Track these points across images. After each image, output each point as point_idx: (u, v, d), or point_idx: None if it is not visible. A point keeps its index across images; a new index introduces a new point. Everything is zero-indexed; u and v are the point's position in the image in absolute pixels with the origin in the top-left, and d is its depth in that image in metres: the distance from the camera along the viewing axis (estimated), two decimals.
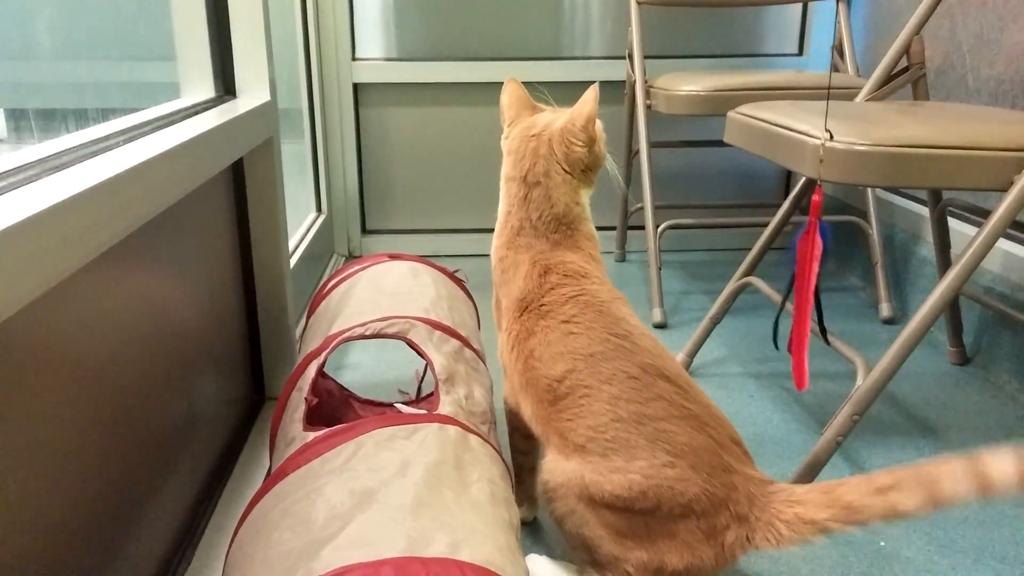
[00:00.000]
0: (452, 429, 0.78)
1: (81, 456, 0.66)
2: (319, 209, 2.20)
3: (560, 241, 0.95)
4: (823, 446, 1.03)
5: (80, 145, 0.69)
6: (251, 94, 1.14)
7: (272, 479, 0.72)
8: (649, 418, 0.79)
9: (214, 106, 1.04)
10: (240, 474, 1.06)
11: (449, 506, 0.65)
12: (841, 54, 1.97)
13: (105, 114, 0.89)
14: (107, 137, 0.74)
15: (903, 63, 1.38)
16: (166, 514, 0.86)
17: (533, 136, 1.01)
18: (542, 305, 0.91)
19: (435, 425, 0.77)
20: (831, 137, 0.98)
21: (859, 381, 1.03)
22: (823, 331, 1.12)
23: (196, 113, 0.98)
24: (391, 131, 2.22)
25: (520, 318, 0.93)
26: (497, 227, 1.03)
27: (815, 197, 0.97)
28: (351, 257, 2.28)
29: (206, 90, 1.10)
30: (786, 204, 1.39)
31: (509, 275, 0.97)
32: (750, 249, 2.14)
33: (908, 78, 1.35)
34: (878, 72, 1.37)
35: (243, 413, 1.20)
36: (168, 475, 0.87)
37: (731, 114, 1.28)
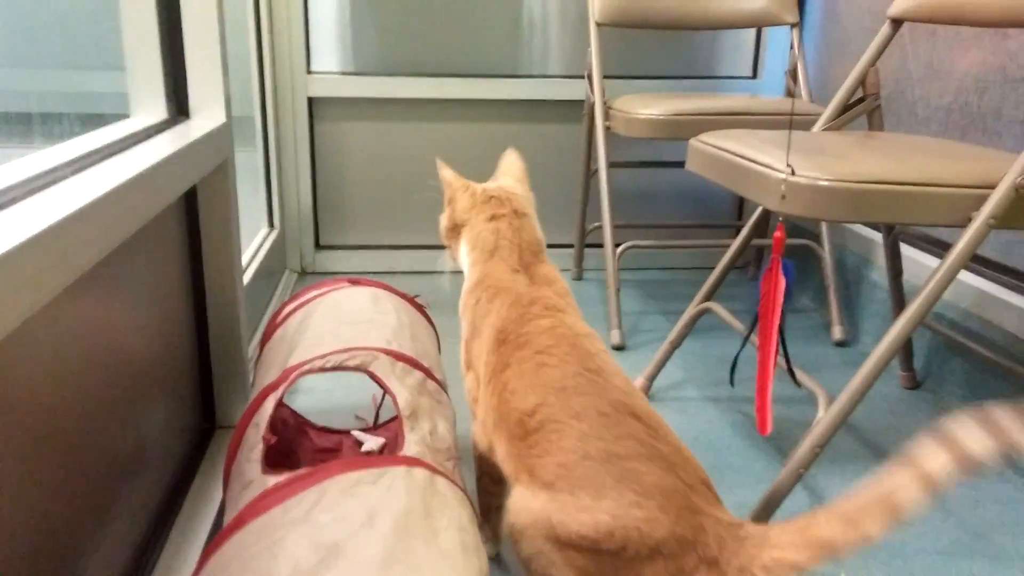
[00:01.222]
0: (419, 472, 0.76)
1: (24, 492, 0.62)
2: (271, 224, 2.15)
3: (539, 272, 1.00)
4: (785, 478, 1.03)
5: (26, 180, 0.65)
6: (205, 115, 1.10)
7: (229, 528, 0.69)
8: (618, 456, 0.78)
9: (166, 129, 1.01)
10: (191, 508, 1.02)
11: (420, 559, 0.62)
12: (795, 79, 2.00)
13: (46, 119, 0.85)
14: (54, 169, 0.70)
15: (859, 93, 1.40)
16: (112, 554, 0.81)
17: (494, 193, 1.14)
18: (519, 336, 0.90)
19: (402, 468, 0.75)
20: (792, 172, 0.99)
21: (820, 413, 1.04)
22: (791, 372, 1.13)
23: (148, 137, 0.94)
24: (346, 146, 2.19)
25: (498, 350, 0.91)
26: (472, 272, 1.02)
27: (777, 234, 0.97)
28: (304, 273, 2.23)
29: (158, 110, 1.06)
30: (746, 229, 1.40)
31: (490, 307, 0.96)
32: (706, 268, 2.16)
33: (864, 108, 1.37)
34: (835, 102, 1.39)
35: (193, 442, 1.16)
36: (115, 510, 0.82)
37: (693, 142, 1.29)
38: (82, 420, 0.74)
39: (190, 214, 1.11)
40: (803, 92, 1.94)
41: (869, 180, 0.96)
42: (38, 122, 0.85)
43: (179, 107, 1.09)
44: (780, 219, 0.98)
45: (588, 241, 2.18)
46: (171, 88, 1.07)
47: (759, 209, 1.42)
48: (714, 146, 1.21)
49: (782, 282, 0.98)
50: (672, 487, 0.78)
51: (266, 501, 0.69)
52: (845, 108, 1.39)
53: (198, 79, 1.09)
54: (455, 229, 1.13)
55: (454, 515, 0.73)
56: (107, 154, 0.81)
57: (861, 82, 1.39)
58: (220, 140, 1.07)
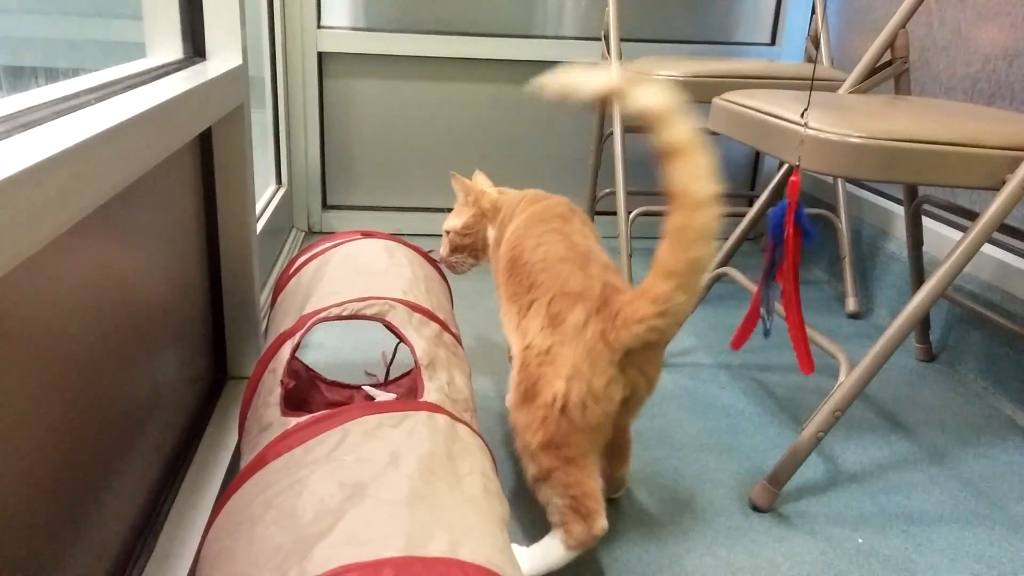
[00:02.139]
0: (441, 418, 0.74)
1: (38, 437, 0.61)
2: (279, 181, 2.12)
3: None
4: (803, 442, 1.02)
5: (50, 101, 0.63)
6: (222, 57, 1.07)
7: (250, 467, 0.68)
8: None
9: (183, 68, 0.98)
10: (204, 456, 1.01)
11: (444, 500, 0.61)
12: (816, 44, 1.97)
13: (52, 74, 0.83)
14: (77, 94, 0.68)
15: (886, 56, 1.37)
16: (127, 498, 0.81)
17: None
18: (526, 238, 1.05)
19: (424, 413, 0.74)
20: (806, 125, 0.98)
21: (841, 377, 1.03)
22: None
23: (165, 74, 0.91)
24: (356, 103, 2.16)
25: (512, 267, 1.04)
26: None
27: (793, 179, 0.95)
28: (311, 232, 2.21)
29: (174, 51, 1.03)
30: (764, 195, 1.38)
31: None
32: (717, 239, 2.13)
33: (892, 72, 1.35)
34: (861, 65, 1.37)
35: (206, 392, 1.15)
36: (129, 456, 0.81)
37: (716, 100, 1.26)
38: (95, 363, 0.72)
39: (205, 159, 1.09)
40: (824, 58, 1.91)
41: (901, 138, 0.94)
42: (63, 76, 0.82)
43: (195, 48, 1.06)
44: (796, 165, 0.96)
45: (598, 208, 2.15)
46: (187, 28, 1.05)
47: (776, 177, 1.40)
48: (738, 103, 1.18)
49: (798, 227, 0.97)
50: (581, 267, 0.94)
51: (288, 441, 0.68)
52: (872, 71, 1.37)
53: (215, 19, 1.06)
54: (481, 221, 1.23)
55: (476, 461, 0.72)
56: (128, 86, 0.79)
57: (889, 45, 1.36)
58: (236, 82, 1.05)
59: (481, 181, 1.27)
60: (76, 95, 0.69)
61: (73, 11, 0.98)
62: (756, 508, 1.05)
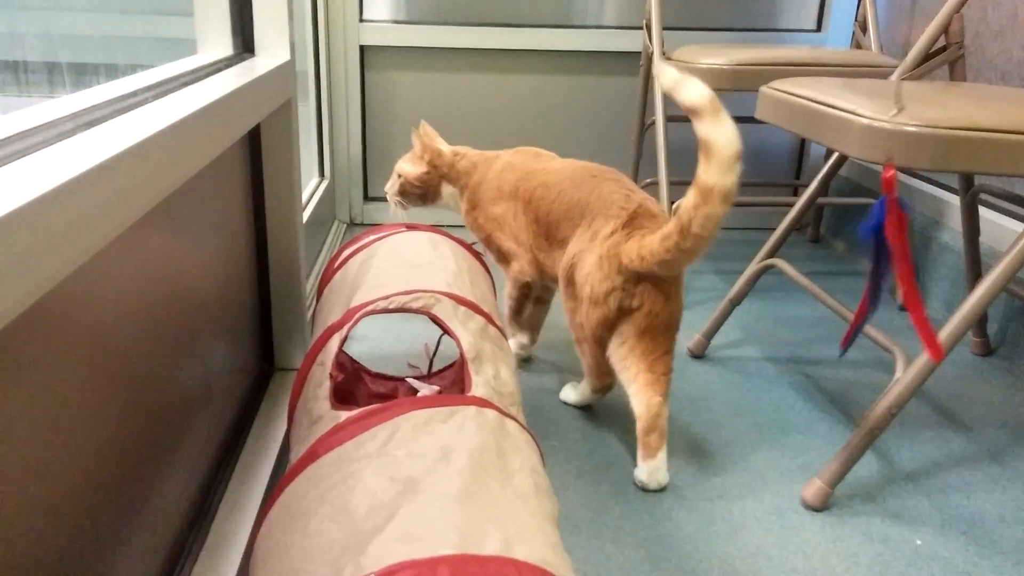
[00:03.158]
0: (490, 413, 0.74)
1: (97, 429, 0.62)
2: (322, 174, 2.14)
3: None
4: (858, 440, 1.00)
5: (111, 100, 0.64)
6: (270, 53, 1.08)
7: (302, 461, 0.68)
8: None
9: (233, 64, 0.99)
10: (253, 447, 1.02)
11: (496, 497, 0.61)
12: (864, 30, 1.92)
13: (111, 70, 0.84)
14: (135, 92, 0.69)
15: (940, 42, 1.33)
16: (180, 489, 0.82)
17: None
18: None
19: (473, 408, 0.73)
20: (900, 110, 0.94)
21: (898, 373, 1.00)
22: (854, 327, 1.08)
23: (216, 71, 0.92)
24: (397, 96, 2.16)
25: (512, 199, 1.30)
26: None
27: (886, 174, 0.91)
28: (352, 224, 2.23)
29: (224, 47, 1.04)
30: (814, 184, 1.35)
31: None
32: (760, 229, 2.11)
33: (947, 58, 1.31)
34: (915, 51, 1.33)
35: (253, 383, 1.16)
36: (182, 447, 0.82)
37: (764, 90, 1.24)
38: (151, 355, 0.73)
39: (253, 153, 1.10)
40: (873, 44, 1.86)
41: (958, 126, 0.91)
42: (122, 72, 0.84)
43: (245, 44, 1.07)
44: (889, 159, 0.92)
45: None
46: (237, 25, 1.05)
47: (827, 166, 1.37)
48: (788, 93, 1.16)
49: (904, 215, 0.93)
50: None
51: (339, 435, 0.68)
52: (926, 57, 1.33)
53: (264, 16, 1.07)
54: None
55: (526, 457, 0.71)
56: (183, 83, 0.80)
57: (944, 30, 1.32)
58: (285, 78, 1.05)
59: (428, 132, 1.43)
60: (134, 93, 0.70)
61: (131, 8, 0.99)
62: (809, 507, 1.03)
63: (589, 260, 1.09)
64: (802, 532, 0.99)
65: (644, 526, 0.99)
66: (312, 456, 0.68)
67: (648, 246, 1.02)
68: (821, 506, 1.03)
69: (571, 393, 1.28)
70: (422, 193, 1.43)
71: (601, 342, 1.11)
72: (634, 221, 1.09)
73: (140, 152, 0.55)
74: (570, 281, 1.14)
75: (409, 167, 1.41)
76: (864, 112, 0.95)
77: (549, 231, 1.20)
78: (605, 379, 1.18)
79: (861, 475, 1.11)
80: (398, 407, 0.70)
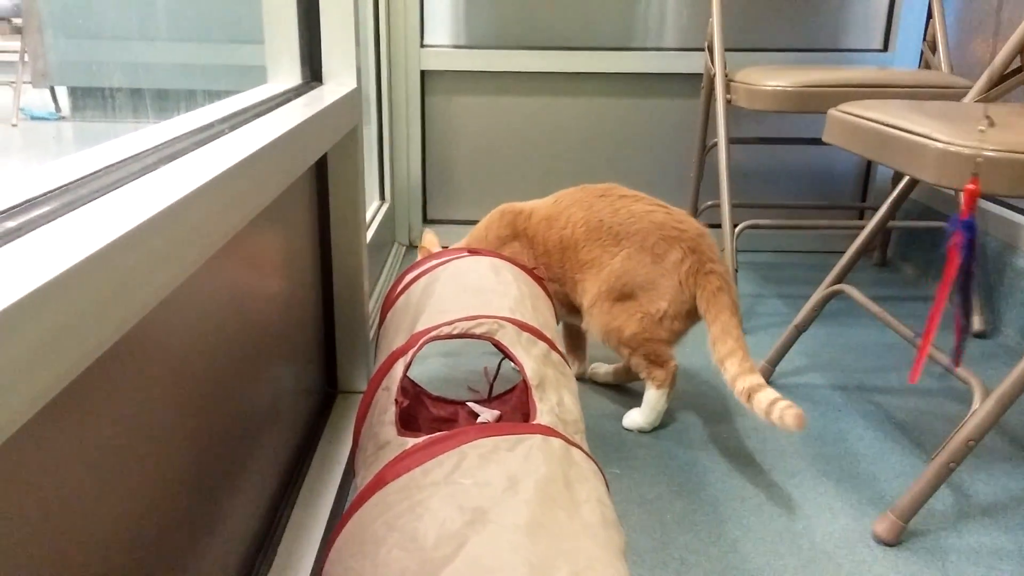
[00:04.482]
0: (556, 442, 0.74)
1: (172, 451, 0.64)
2: (382, 197, 2.17)
3: None
4: (933, 473, 0.97)
5: (189, 132, 0.66)
6: (338, 81, 1.10)
7: (370, 487, 0.69)
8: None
9: (302, 93, 1.01)
10: (317, 470, 1.03)
11: (564, 529, 0.60)
12: (933, 49, 1.88)
13: (191, 96, 0.86)
14: (211, 124, 0.71)
15: (1016, 63, 1.29)
16: (248, 511, 0.83)
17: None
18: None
19: (538, 437, 0.73)
20: (988, 126, 0.92)
21: (976, 404, 0.96)
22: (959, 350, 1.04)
23: (286, 101, 0.94)
24: (456, 120, 2.19)
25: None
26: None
27: (970, 186, 0.88)
28: (412, 247, 2.25)
29: (293, 75, 1.07)
30: (884, 207, 1.32)
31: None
32: (824, 252, 2.07)
33: (1023, 79, 1.27)
34: (989, 72, 1.29)
35: (317, 406, 1.18)
36: (250, 469, 0.84)
37: (833, 112, 1.21)
38: (222, 380, 0.75)
39: (320, 179, 1.12)
40: (943, 64, 1.82)
41: None
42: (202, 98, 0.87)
43: (313, 73, 1.10)
44: (974, 172, 0.90)
45: (699, 221, 2.11)
46: (306, 54, 1.08)
47: (898, 188, 1.34)
48: (858, 116, 1.14)
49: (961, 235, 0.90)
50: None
51: (406, 462, 0.69)
52: (1001, 78, 1.29)
53: (332, 45, 1.10)
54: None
55: (592, 488, 0.71)
56: (253, 114, 0.82)
57: (1020, 50, 1.28)
58: (351, 106, 1.07)
59: (431, 239, 1.46)
60: (211, 125, 0.72)
61: (208, 38, 1.03)
62: (881, 541, 1.00)
63: (666, 283, 1.23)
64: (874, 567, 0.95)
65: (710, 558, 0.97)
66: (380, 483, 0.69)
67: (713, 340, 1.21)
68: (894, 541, 1.00)
69: (638, 417, 1.28)
70: None
71: (675, 339, 1.27)
72: (696, 249, 1.24)
73: (219, 185, 0.56)
74: (628, 296, 1.24)
75: None
76: (940, 136, 0.93)
77: (566, 256, 1.30)
78: (669, 360, 1.27)
79: (935, 508, 1.07)
80: (464, 435, 0.71)
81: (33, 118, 3.91)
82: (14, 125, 3.72)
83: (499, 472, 0.66)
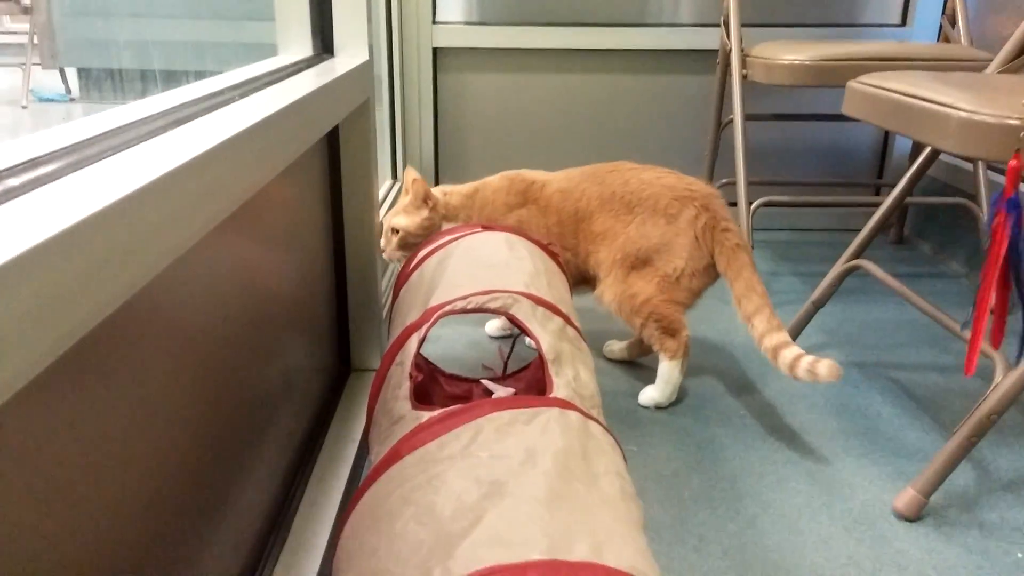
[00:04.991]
0: (573, 415, 0.73)
1: (182, 430, 0.63)
2: (395, 177, 2.15)
3: None
4: (954, 448, 0.95)
5: (198, 98, 0.65)
6: (349, 53, 1.09)
7: (385, 461, 0.68)
8: None
9: (313, 65, 1.00)
10: (331, 447, 1.03)
11: (583, 501, 0.59)
12: (952, 22, 1.84)
13: (200, 76, 0.85)
14: (220, 92, 0.70)
15: None
16: (262, 488, 0.83)
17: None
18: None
19: (555, 410, 0.72)
20: None
21: (997, 378, 0.95)
22: None
23: (297, 71, 0.93)
24: (469, 98, 2.16)
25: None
26: None
27: (1013, 163, 0.86)
28: None
29: (304, 48, 1.05)
30: (902, 183, 1.30)
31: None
32: (841, 230, 2.04)
33: None
34: (1011, 43, 1.26)
35: (331, 383, 1.17)
36: (263, 446, 0.83)
37: (852, 84, 1.19)
38: (232, 355, 0.74)
39: (332, 153, 1.11)
40: (963, 37, 1.78)
41: None
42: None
43: (324, 46, 1.08)
44: (1019, 148, 0.87)
45: None
46: (317, 27, 1.07)
47: (916, 164, 1.31)
48: (879, 87, 1.11)
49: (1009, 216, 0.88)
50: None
51: (422, 435, 0.68)
52: (1022, 50, 1.26)
53: (343, 17, 1.08)
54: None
55: (610, 461, 0.70)
56: (262, 84, 0.81)
57: None
58: (363, 78, 1.06)
59: (418, 178, 1.39)
60: (220, 92, 0.71)
61: (217, 15, 1.01)
62: (902, 517, 0.99)
63: (682, 241, 1.25)
64: (895, 543, 0.94)
65: (728, 534, 0.96)
66: (395, 456, 0.68)
67: (737, 297, 1.22)
68: (915, 516, 0.99)
69: (653, 392, 1.27)
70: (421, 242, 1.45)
71: (692, 299, 1.28)
72: (709, 208, 1.26)
73: (226, 151, 0.55)
74: (644, 261, 1.26)
75: (406, 219, 1.35)
76: (964, 106, 0.91)
77: (580, 227, 1.31)
78: (682, 328, 1.26)
79: (957, 484, 1.05)
80: (480, 408, 0.70)
81: (43, 100, 3.91)
82: (24, 107, 3.72)
83: (516, 445, 0.65)
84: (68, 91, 4.14)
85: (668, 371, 1.25)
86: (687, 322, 1.26)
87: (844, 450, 1.13)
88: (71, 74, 4.15)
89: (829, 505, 1.01)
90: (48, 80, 4.12)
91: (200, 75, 0.88)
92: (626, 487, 0.68)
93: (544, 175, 1.39)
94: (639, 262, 1.26)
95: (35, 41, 3.80)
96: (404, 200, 1.37)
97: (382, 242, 1.34)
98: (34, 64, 3.81)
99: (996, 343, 0.97)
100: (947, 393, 1.30)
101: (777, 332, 1.17)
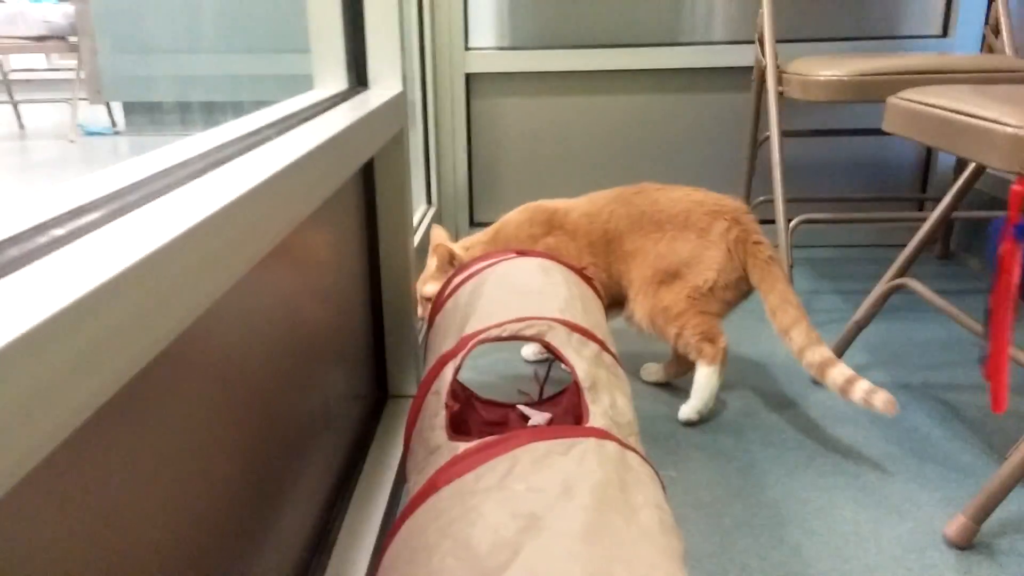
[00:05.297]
0: (610, 445, 0.72)
1: (224, 458, 0.64)
2: (429, 201, 2.17)
3: None
4: (1009, 472, 0.92)
5: (236, 138, 0.66)
6: (383, 85, 1.10)
7: (422, 493, 0.68)
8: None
9: (348, 98, 1.01)
10: (370, 474, 1.03)
11: (621, 536, 0.59)
12: (996, 33, 1.81)
13: (238, 108, 0.87)
14: (258, 130, 0.71)
15: None
16: (302, 515, 0.83)
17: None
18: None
19: (592, 440, 0.71)
20: None
21: None
22: None
23: (333, 106, 0.94)
24: (502, 122, 2.18)
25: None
26: None
27: (1016, 187, 0.85)
28: None
29: (339, 81, 1.07)
30: (948, 198, 1.27)
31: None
32: (883, 246, 2.01)
33: None
34: None
35: (368, 410, 1.18)
36: (302, 475, 0.84)
37: (893, 100, 1.17)
38: (273, 386, 0.75)
39: (367, 183, 1.12)
40: (1007, 47, 1.74)
41: None
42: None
43: (359, 78, 1.10)
44: (1020, 172, 0.86)
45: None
46: (351, 60, 1.08)
47: (962, 178, 1.28)
48: (920, 103, 1.09)
49: (1020, 246, 0.86)
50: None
51: (458, 467, 0.68)
52: None
53: (376, 51, 1.09)
54: None
55: (649, 492, 0.69)
56: (299, 120, 0.82)
57: None
58: (397, 109, 1.07)
59: (440, 235, 1.44)
60: (258, 131, 0.72)
61: (258, 48, 1.03)
62: (952, 545, 0.95)
63: (713, 254, 1.25)
64: (946, 572, 0.91)
65: (772, 563, 0.93)
66: (431, 488, 0.68)
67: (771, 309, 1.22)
68: (966, 544, 0.95)
69: (691, 403, 1.26)
70: None
71: (725, 310, 1.28)
72: (740, 221, 1.27)
73: (267, 189, 0.56)
74: (675, 275, 1.26)
75: (435, 285, 1.36)
76: (1010, 121, 0.89)
77: (611, 248, 1.32)
78: (719, 336, 1.26)
79: (1011, 510, 1.02)
80: (516, 439, 0.69)
81: (89, 133, 4.03)
82: (72, 141, 3.84)
83: (553, 477, 0.64)
84: (114, 124, 4.27)
85: (706, 378, 1.25)
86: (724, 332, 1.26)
87: (892, 474, 1.10)
88: (116, 108, 4.28)
89: (876, 532, 0.98)
90: (94, 114, 4.25)
91: (238, 106, 0.89)
92: (665, 519, 0.67)
93: (565, 202, 1.40)
94: (669, 276, 1.27)
95: (81, 76, 3.93)
96: (431, 265, 1.40)
97: (419, 310, 1.35)
98: (81, 99, 3.94)
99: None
100: (1001, 415, 1.26)
101: (818, 346, 1.16)
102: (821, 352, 1.15)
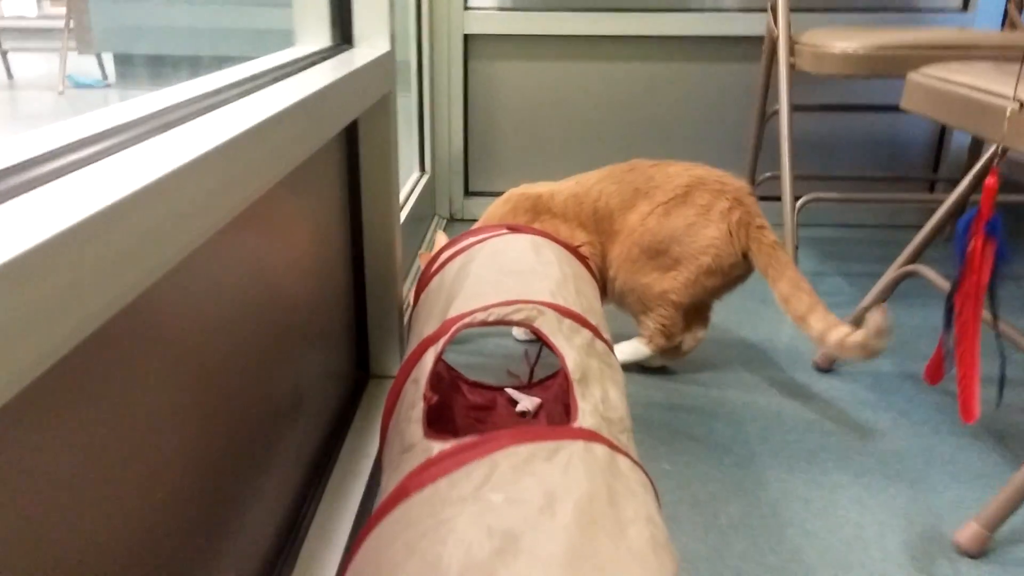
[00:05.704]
0: (599, 449, 0.66)
1: (184, 439, 0.57)
2: (422, 168, 2.09)
3: None
4: (1023, 477, 0.86)
5: (208, 93, 0.60)
6: (369, 44, 1.02)
7: (392, 498, 0.62)
8: None
9: (331, 56, 0.93)
10: (346, 462, 0.97)
11: (608, 558, 0.53)
12: (1020, 8, 1.72)
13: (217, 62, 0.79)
14: (227, 87, 0.64)
15: None
16: (272, 502, 0.77)
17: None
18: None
19: (579, 444, 0.65)
20: (1021, 106, 0.81)
21: None
22: (1001, 352, 0.94)
23: (313, 64, 0.87)
24: (500, 86, 2.09)
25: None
26: None
27: (989, 180, 0.78)
28: (452, 220, 2.18)
29: (322, 38, 0.99)
30: (966, 181, 1.20)
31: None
32: (892, 227, 1.94)
33: None
34: None
35: (348, 390, 1.12)
36: (271, 461, 0.78)
37: (913, 76, 1.09)
38: (240, 359, 0.69)
39: (350, 149, 1.05)
40: None
41: None
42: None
43: (343, 35, 1.02)
44: (996, 163, 0.79)
45: (757, 194, 1.99)
46: (336, 16, 1.00)
47: (979, 163, 1.21)
48: (942, 80, 1.02)
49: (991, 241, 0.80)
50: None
51: (431, 472, 0.62)
52: None
53: (363, 6, 1.01)
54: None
55: (640, 504, 0.63)
56: (274, 78, 0.75)
57: None
58: (384, 70, 0.99)
59: (442, 240, 1.37)
60: (231, 86, 0.65)
61: (251, 1, 0.96)
62: (964, 553, 0.90)
63: (711, 232, 1.18)
64: None
65: (770, 568, 0.88)
66: (402, 493, 0.61)
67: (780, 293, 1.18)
68: (978, 552, 0.90)
69: (625, 347, 1.27)
70: None
71: (710, 299, 1.26)
72: (743, 202, 1.21)
73: (235, 147, 0.50)
74: (663, 252, 1.21)
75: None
76: None
77: (601, 227, 1.27)
78: (677, 338, 1.25)
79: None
80: (496, 441, 0.63)
81: (79, 86, 3.91)
82: (60, 93, 3.73)
83: (534, 487, 0.58)
84: (104, 77, 4.14)
85: (634, 349, 1.27)
86: (712, 323, 1.26)
87: (898, 474, 1.05)
88: (108, 60, 4.15)
89: (882, 537, 0.93)
90: (84, 65, 4.13)
91: (235, 61, 0.82)
92: (658, 535, 0.61)
93: (548, 186, 1.36)
94: (658, 251, 1.22)
95: (71, 25, 3.80)
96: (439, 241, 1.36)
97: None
98: (71, 49, 3.82)
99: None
100: (1012, 411, 1.20)
101: (840, 326, 1.11)
102: (843, 329, 1.10)
